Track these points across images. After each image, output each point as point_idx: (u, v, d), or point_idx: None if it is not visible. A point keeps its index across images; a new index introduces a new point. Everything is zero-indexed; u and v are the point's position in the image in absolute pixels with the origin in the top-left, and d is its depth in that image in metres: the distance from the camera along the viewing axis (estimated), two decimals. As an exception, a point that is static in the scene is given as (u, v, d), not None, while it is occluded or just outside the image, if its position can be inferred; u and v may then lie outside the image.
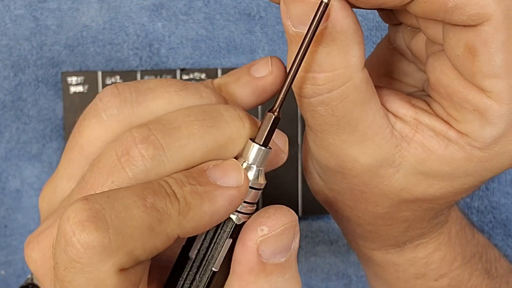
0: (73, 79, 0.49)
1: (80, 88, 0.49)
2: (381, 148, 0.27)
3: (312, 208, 0.49)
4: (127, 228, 0.21)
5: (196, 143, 0.24)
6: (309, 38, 0.24)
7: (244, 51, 0.50)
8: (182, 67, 0.50)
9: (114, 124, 0.25)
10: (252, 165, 0.25)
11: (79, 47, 0.50)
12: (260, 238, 0.24)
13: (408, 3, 0.24)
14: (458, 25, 0.24)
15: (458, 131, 0.26)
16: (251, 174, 0.25)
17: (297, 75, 0.25)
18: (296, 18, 0.24)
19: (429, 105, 0.28)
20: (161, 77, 0.49)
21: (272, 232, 0.24)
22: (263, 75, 0.29)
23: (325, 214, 0.50)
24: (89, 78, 0.49)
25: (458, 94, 0.26)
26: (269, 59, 0.29)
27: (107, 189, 0.23)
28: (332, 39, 0.24)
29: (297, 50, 0.24)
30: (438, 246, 0.34)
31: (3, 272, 0.52)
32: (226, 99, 0.28)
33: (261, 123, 0.26)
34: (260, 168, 0.25)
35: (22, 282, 0.52)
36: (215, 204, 0.23)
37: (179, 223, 0.22)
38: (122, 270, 0.22)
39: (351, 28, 0.24)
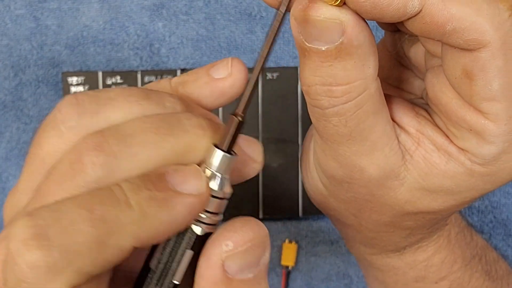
0: (73, 79, 0.49)
1: (80, 88, 0.49)
2: (389, 160, 0.27)
3: (312, 208, 0.49)
4: (73, 245, 0.20)
5: (150, 151, 0.23)
6: (267, 45, 0.23)
7: (245, 51, 0.50)
8: (182, 67, 0.50)
9: (73, 136, 0.24)
10: (216, 173, 0.23)
11: (80, 47, 0.50)
12: (225, 254, 0.22)
13: (405, 20, 0.24)
14: (456, 47, 0.24)
15: (458, 146, 0.26)
16: (214, 183, 0.23)
17: (313, 88, 0.25)
18: (309, 35, 0.24)
19: (430, 115, 0.28)
20: (161, 77, 0.49)
21: (238, 248, 0.22)
22: (222, 77, 0.28)
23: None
24: (90, 78, 0.49)
25: (456, 114, 0.25)
26: (230, 60, 0.28)
27: (59, 198, 0.22)
28: (348, 54, 0.24)
29: (313, 63, 0.24)
30: (437, 249, 0.34)
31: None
32: (191, 107, 0.26)
33: (225, 128, 0.24)
34: (225, 176, 0.24)
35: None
36: (173, 212, 0.21)
37: (133, 233, 0.21)
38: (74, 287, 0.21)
39: (367, 41, 0.24)
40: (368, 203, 0.29)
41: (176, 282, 0.24)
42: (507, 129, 0.25)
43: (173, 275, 0.23)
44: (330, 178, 0.29)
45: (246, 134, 0.51)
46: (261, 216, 0.49)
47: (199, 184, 0.22)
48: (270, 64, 0.50)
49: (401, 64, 0.31)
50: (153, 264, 0.24)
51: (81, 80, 0.49)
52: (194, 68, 0.50)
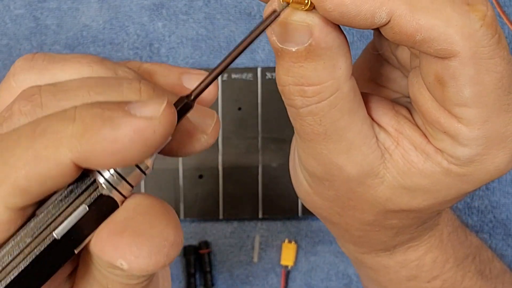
0: (73, 79, 0.49)
1: (80, 88, 0.49)
2: (368, 158, 0.27)
3: (312, 208, 0.49)
4: (9, 157, 0.20)
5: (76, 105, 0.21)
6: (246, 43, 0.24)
7: (244, 51, 0.50)
8: (182, 67, 0.50)
9: (19, 90, 0.24)
10: None
11: (79, 47, 0.50)
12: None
13: (378, 27, 0.24)
14: (428, 54, 0.24)
15: (435, 146, 0.27)
16: None
17: (287, 87, 0.25)
18: (280, 37, 0.25)
19: (411, 113, 0.28)
20: (161, 77, 0.49)
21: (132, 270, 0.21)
22: (188, 87, 0.26)
23: (325, 214, 0.50)
24: (89, 78, 0.49)
25: (431, 115, 0.26)
26: (204, 81, 0.25)
27: None
28: (317, 55, 0.24)
29: (286, 64, 0.25)
30: (429, 248, 0.34)
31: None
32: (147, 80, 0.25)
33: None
34: None
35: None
36: (117, 130, 0.20)
37: (71, 147, 0.20)
38: (14, 208, 0.20)
39: (335, 43, 0.24)
40: (350, 202, 0.29)
41: (56, 237, 0.21)
42: (480, 134, 0.25)
43: (56, 227, 0.21)
44: (311, 176, 0.30)
45: (246, 134, 0.51)
46: (260, 216, 0.49)
47: (157, 107, 0.21)
48: (270, 64, 0.50)
49: (389, 63, 0.31)
50: (39, 210, 0.21)
51: (81, 80, 0.49)
52: (193, 68, 0.50)
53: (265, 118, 0.49)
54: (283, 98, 0.27)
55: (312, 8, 0.24)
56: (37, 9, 0.50)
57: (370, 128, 0.27)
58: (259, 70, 0.49)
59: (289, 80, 0.25)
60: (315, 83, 0.25)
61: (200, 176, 0.50)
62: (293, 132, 0.50)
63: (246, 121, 0.49)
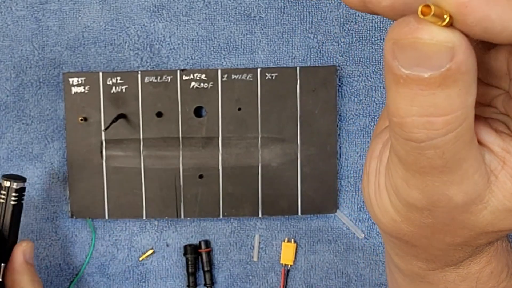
0: (74, 80, 0.49)
1: (81, 89, 0.49)
2: (478, 186, 0.25)
3: (311, 208, 0.50)
4: None
5: None
6: None
7: (244, 52, 0.50)
8: (182, 67, 0.50)
9: None
10: None
11: (80, 48, 0.50)
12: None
13: None
14: None
15: None
16: None
17: (408, 119, 0.23)
18: (409, 61, 0.21)
19: (507, 126, 0.26)
20: (161, 77, 0.49)
21: None
22: None
23: (325, 214, 0.50)
24: (90, 79, 0.49)
25: None
26: None
27: None
28: (454, 81, 0.21)
29: (411, 92, 0.22)
30: (489, 259, 0.33)
31: (5, 271, 0.52)
32: None
33: None
34: None
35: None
36: None
37: None
38: None
39: (473, 67, 0.22)
40: (445, 227, 0.28)
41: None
42: None
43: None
44: (409, 206, 0.27)
45: (246, 134, 0.51)
46: (260, 215, 0.50)
47: None
48: (270, 64, 0.50)
49: None
50: None
51: (82, 80, 0.49)
52: (194, 69, 0.50)
53: (265, 118, 0.49)
54: (397, 131, 0.23)
55: (450, 24, 0.21)
56: (39, 11, 0.50)
57: (480, 153, 0.25)
58: (259, 70, 0.49)
59: (413, 110, 0.22)
60: (446, 112, 0.22)
61: (200, 176, 0.50)
62: (292, 132, 0.50)
63: (246, 121, 0.49)
